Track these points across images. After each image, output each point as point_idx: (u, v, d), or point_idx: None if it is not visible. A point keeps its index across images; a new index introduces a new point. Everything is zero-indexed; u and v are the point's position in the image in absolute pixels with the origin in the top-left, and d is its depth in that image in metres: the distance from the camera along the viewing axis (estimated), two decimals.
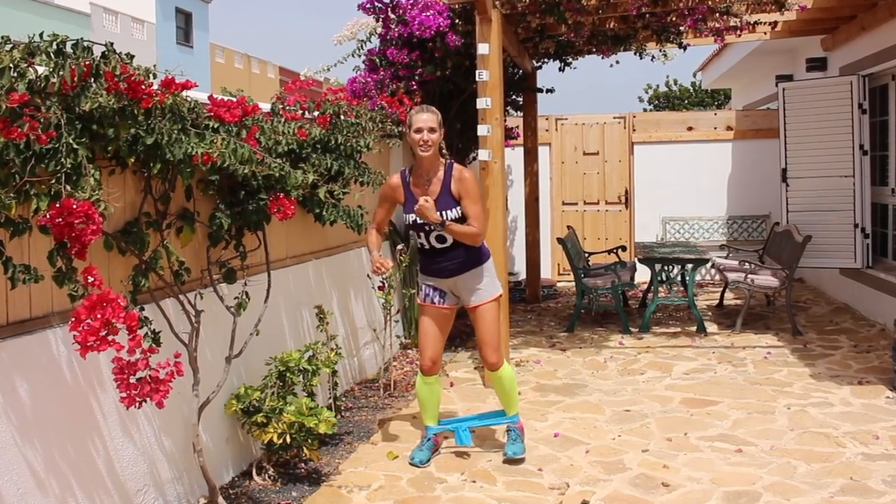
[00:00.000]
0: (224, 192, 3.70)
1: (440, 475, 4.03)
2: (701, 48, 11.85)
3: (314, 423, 3.86)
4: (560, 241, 7.65)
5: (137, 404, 2.63)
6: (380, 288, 5.55)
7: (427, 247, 4.15)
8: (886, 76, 7.35)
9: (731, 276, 7.58)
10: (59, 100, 2.59)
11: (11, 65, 2.44)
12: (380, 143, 5.66)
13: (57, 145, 2.52)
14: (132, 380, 2.60)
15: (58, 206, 2.42)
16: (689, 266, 7.48)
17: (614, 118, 10.37)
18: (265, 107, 4.15)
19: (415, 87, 6.55)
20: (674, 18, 6.60)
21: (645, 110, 23.87)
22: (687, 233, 10.24)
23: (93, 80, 2.66)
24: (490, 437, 4.51)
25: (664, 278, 7.57)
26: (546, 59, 8.37)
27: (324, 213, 4.52)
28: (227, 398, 3.89)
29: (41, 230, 2.52)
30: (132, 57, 2.82)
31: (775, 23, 7.33)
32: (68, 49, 2.62)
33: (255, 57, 38.96)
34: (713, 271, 9.87)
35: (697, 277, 9.36)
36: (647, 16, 6.67)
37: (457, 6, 6.07)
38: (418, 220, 4.04)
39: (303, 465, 4.10)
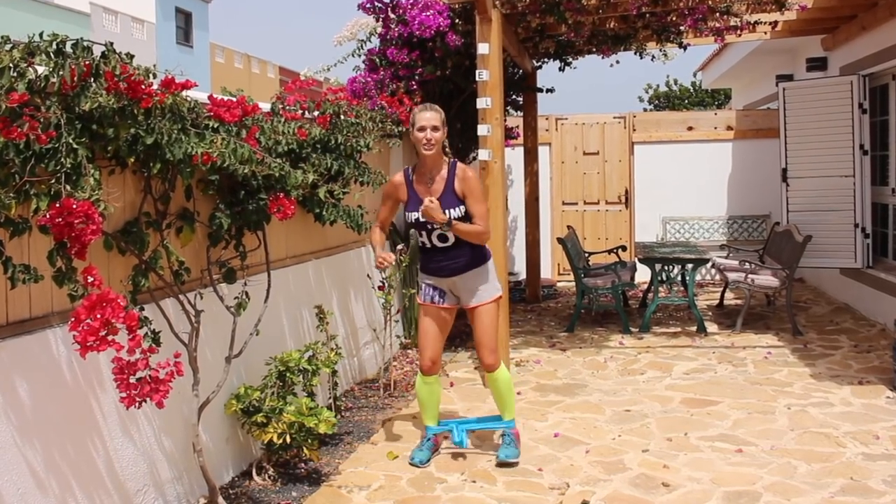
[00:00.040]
0: (224, 192, 3.70)
1: (440, 475, 4.03)
2: (701, 48, 11.87)
3: (314, 423, 3.86)
4: (560, 240, 7.64)
5: (137, 404, 2.62)
6: (380, 288, 5.54)
7: (428, 245, 4.15)
8: (887, 76, 7.35)
9: (732, 275, 7.57)
10: (59, 99, 2.59)
11: (11, 64, 2.44)
12: (380, 142, 5.66)
13: (57, 145, 2.51)
14: (132, 380, 2.60)
15: (58, 205, 2.42)
16: (690, 266, 7.47)
17: (614, 118, 10.37)
18: (265, 107, 4.15)
19: (415, 86, 6.54)
20: (674, 18, 6.60)
21: (645, 110, 23.87)
22: (687, 233, 10.24)
23: (93, 79, 2.66)
24: (489, 438, 4.51)
25: (664, 278, 7.57)
26: (546, 59, 8.37)
27: (324, 212, 4.52)
28: (227, 398, 3.89)
29: (41, 230, 2.51)
30: (132, 57, 2.81)
31: (775, 22, 7.32)
32: (68, 49, 2.62)
33: (255, 57, 38.97)
34: (713, 271, 9.87)
35: (698, 277, 9.35)
36: (648, 15, 6.67)
37: (457, 6, 6.07)
38: (420, 219, 4.03)
39: (303, 465, 4.10)
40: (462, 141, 7.51)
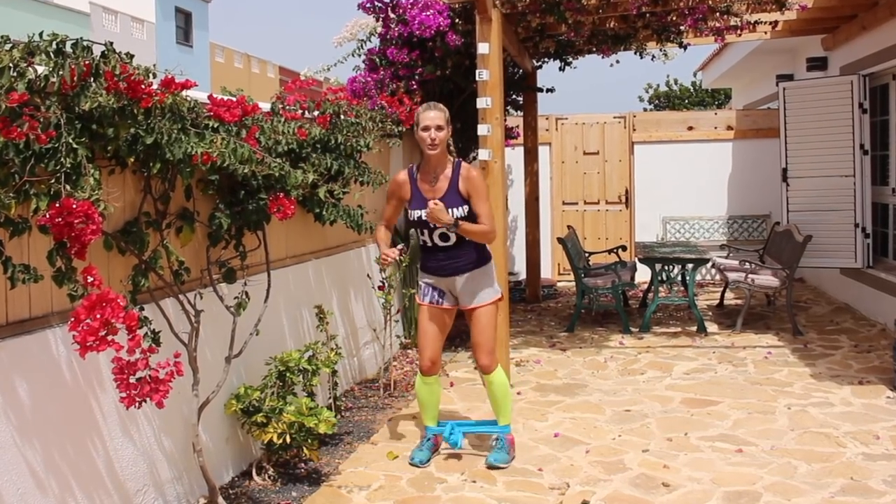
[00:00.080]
0: (224, 192, 3.70)
1: (440, 475, 4.03)
2: (701, 48, 11.89)
3: (314, 423, 3.86)
4: (560, 240, 7.64)
5: (137, 404, 2.62)
6: (380, 288, 5.54)
7: (429, 244, 4.13)
8: (887, 75, 7.34)
9: (732, 275, 7.57)
10: (59, 99, 2.59)
11: (11, 64, 2.44)
12: (380, 142, 5.65)
13: (56, 145, 2.51)
14: (132, 380, 2.60)
15: (57, 205, 2.41)
16: (690, 266, 7.47)
17: (614, 118, 10.37)
18: (265, 106, 4.14)
19: (415, 86, 6.54)
20: (674, 18, 6.60)
21: (645, 110, 23.86)
22: (687, 232, 10.23)
23: (92, 79, 2.66)
24: (490, 438, 4.50)
25: (664, 278, 7.57)
26: (546, 59, 8.37)
27: (324, 212, 4.52)
28: (226, 398, 3.89)
29: (41, 230, 2.51)
30: (132, 56, 2.81)
31: (776, 22, 7.32)
32: (68, 48, 2.61)
33: (255, 56, 38.96)
34: (713, 271, 9.87)
35: (698, 277, 9.35)
36: (648, 15, 6.66)
37: (457, 6, 6.07)
38: (423, 217, 4.02)
39: (303, 465, 4.10)
40: (462, 141, 7.50)
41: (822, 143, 7.80)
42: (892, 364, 5.37)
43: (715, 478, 3.90)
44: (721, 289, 8.70)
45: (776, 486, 3.78)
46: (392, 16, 6.53)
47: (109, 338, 2.45)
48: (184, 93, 3.06)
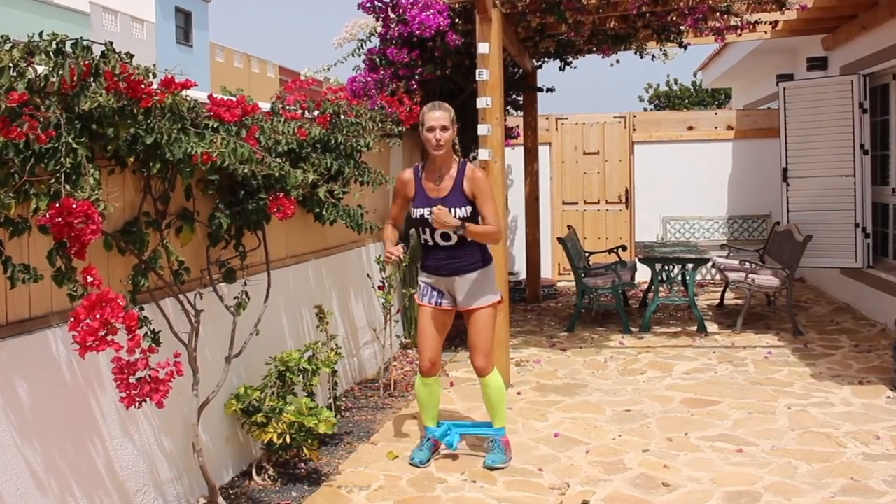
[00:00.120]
0: (224, 192, 3.69)
1: (440, 475, 4.03)
2: (701, 47, 11.90)
3: (314, 423, 3.85)
4: (560, 240, 7.64)
5: (137, 404, 2.62)
6: (380, 288, 5.54)
7: (431, 243, 4.11)
8: (887, 75, 7.34)
9: (732, 275, 7.57)
10: (59, 99, 2.59)
11: (11, 64, 2.44)
12: (380, 142, 5.65)
13: (56, 145, 2.51)
14: (132, 380, 2.60)
15: (57, 205, 2.41)
16: (690, 266, 7.47)
17: (615, 117, 10.37)
18: (265, 106, 4.14)
19: (415, 86, 6.54)
20: (674, 18, 6.59)
21: (645, 109, 23.87)
22: (687, 232, 10.23)
23: (92, 79, 2.66)
24: (486, 439, 4.50)
25: (664, 278, 7.57)
26: (546, 59, 8.37)
27: (324, 212, 4.51)
28: (226, 398, 3.89)
29: (41, 230, 2.51)
30: (132, 56, 2.81)
31: (776, 22, 7.32)
32: (68, 48, 2.61)
33: (255, 56, 38.95)
34: (714, 271, 9.87)
35: (698, 277, 9.35)
36: (648, 15, 6.66)
37: (457, 5, 6.06)
38: (425, 215, 4.02)
39: (303, 465, 4.10)
40: (462, 140, 7.48)
41: (822, 143, 7.80)
42: (893, 364, 5.37)
43: (715, 478, 3.89)
44: (721, 289, 8.70)
45: (776, 486, 3.78)
46: (392, 16, 6.53)
47: (109, 338, 2.44)
48: (184, 93, 3.05)
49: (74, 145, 2.54)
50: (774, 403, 5.03)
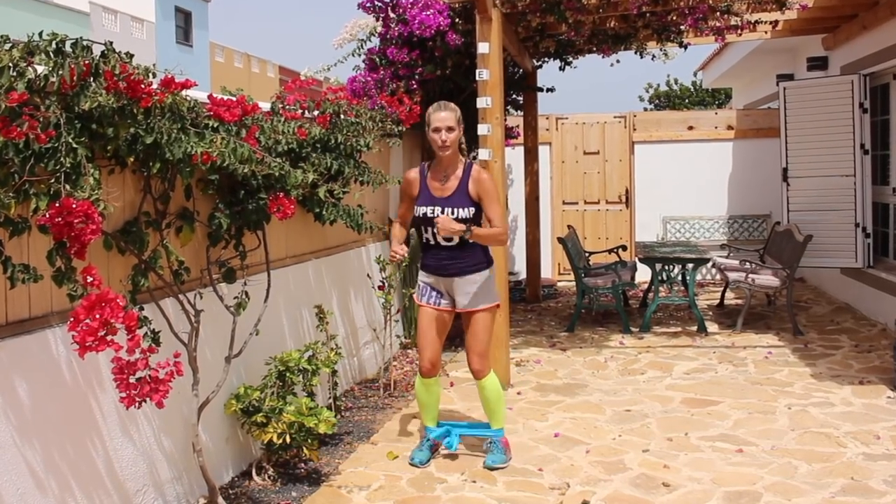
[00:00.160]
0: (224, 192, 3.69)
1: (440, 475, 4.02)
2: (702, 47, 11.89)
3: (314, 423, 3.85)
4: (560, 240, 7.64)
5: (137, 404, 2.62)
6: (380, 288, 5.54)
7: (432, 242, 4.10)
8: (887, 75, 7.34)
9: (732, 275, 7.57)
10: (59, 99, 2.59)
11: (11, 64, 2.44)
12: (380, 142, 5.64)
13: (56, 144, 2.51)
14: (132, 380, 2.60)
15: (57, 205, 2.41)
16: (690, 266, 7.47)
17: (615, 117, 10.36)
18: (265, 106, 4.14)
19: (415, 86, 6.53)
20: (674, 17, 6.59)
21: (645, 109, 23.87)
22: (688, 232, 10.23)
23: (92, 79, 2.66)
24: (485, 440, 4.50)
25: (665, 278, 7.56)
26: (546, 59, 8.36)
27: (324, 212, 4.51)
28: (226, 398, 3.88)
29: (40, 230, 2.51)
30: (131, 56, 2.81)
31: (776, 22, 7.32)
32: (67, 48, 2.61)
33: (255, 56, 38.94)
34: (714, 271, 9.87)
35: (698, 277, 9.35)
36: (648, 15, 6.66)
37: (457, 5, 6.06)
38: (428, 214, 4.01)
39: (303, 465, 4.10)
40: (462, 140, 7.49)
41: (822, 143, 7.80)
42: (893, 364, 5.36)
43: (715, 478, 3.89)
44: (721, 289, 8.69)
45: (776, 486, 3.77)
46: (392, 15, 6.53)
47: (109, 338, 2.44)
48: (183, 92, 3.05)
49: (74, 145, 2.54)
50: (774, 403, 5.03)
